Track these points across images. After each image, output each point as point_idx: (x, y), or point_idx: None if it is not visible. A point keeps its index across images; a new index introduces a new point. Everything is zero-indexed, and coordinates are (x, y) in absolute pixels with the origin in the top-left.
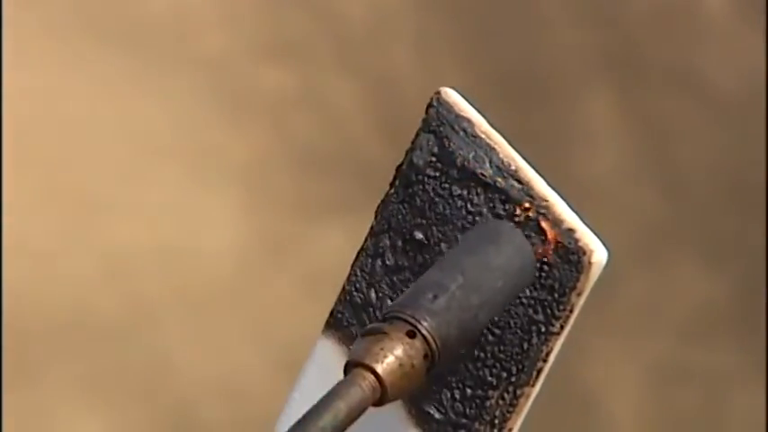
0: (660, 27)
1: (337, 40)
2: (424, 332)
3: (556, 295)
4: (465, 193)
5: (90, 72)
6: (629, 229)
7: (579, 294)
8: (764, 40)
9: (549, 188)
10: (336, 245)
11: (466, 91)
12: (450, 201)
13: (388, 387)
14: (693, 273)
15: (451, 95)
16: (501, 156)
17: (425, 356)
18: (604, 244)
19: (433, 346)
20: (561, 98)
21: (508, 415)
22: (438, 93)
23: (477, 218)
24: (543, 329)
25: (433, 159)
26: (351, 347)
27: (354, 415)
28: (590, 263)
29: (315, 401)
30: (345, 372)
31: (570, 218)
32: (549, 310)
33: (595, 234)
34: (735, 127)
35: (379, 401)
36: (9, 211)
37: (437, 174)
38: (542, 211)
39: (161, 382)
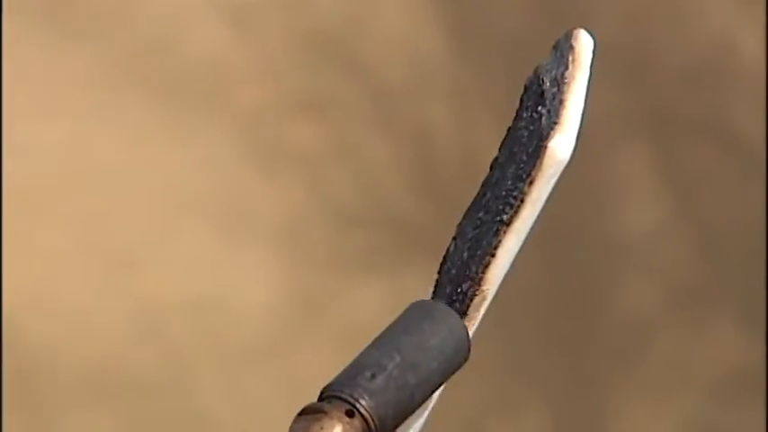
0: (697, 84)
1: (372, 96)
2: (363, 412)
3: (518, 184)
4: (527, 100)
5: (123, 124)
6: (664, 287)
7: (531, 183)
8: None
9: (580, 99)
10: (371, 301)
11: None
12: (518, 112)
13: None
14: (727, 333)
15: (582, 35)
16: (565, 71)
17: None
18: (575, 150)
19: (372, 425)
20: (597, 155)
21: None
22: (573, 29)
23: (520, 123)
24: (498, 219)
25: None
26: (291, 425)
27: None
28: (545, 147)
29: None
30: None
31: (566, 117)
32: (507, 200)
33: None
34: None
35: None
36: (42, 264)
37: (529, 94)
38: (553, 116)
39: None
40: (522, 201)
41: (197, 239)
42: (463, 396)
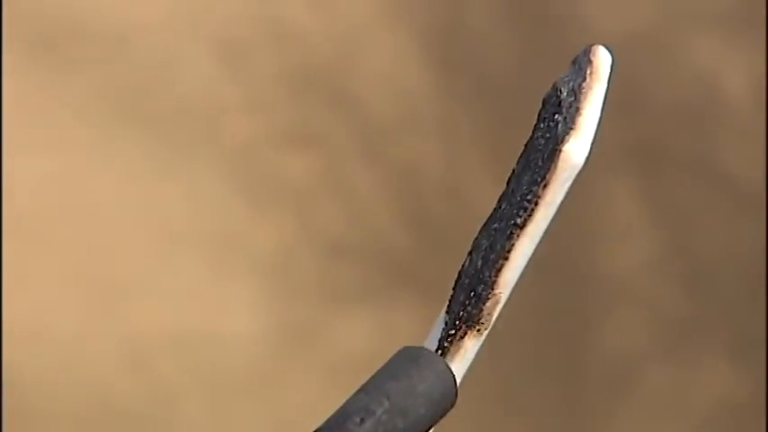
0: (683, 119)
1: (362, 129)
2: None
3: (533, 188)
4: (544, 112)
5: (115, 157)
6: (653, 323)
7: (546, 186)
8: None
9: (596, 108)
10: (359, 334)
11: (490, 180)
12: (535, 125)
13: None
14: (718, 367)
15: (601, 51)
16: (583, 82)
17: None
18: (590, 155)
19: None
20: (586, 189)
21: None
22: (592, 45)
23: (537, 133)
24: (512, 223)
25: (554, 94)
26: None
27: None
28: (559, 150)
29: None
30: None
31: (582, 123)
32: (522, 204)
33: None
34: (759, 218)
35: None
36: (31, 296)
37: (546, 107)
38: (568, 123)
39: None
40: (536, 204)
41: (187, 272)
42: (452, 427)
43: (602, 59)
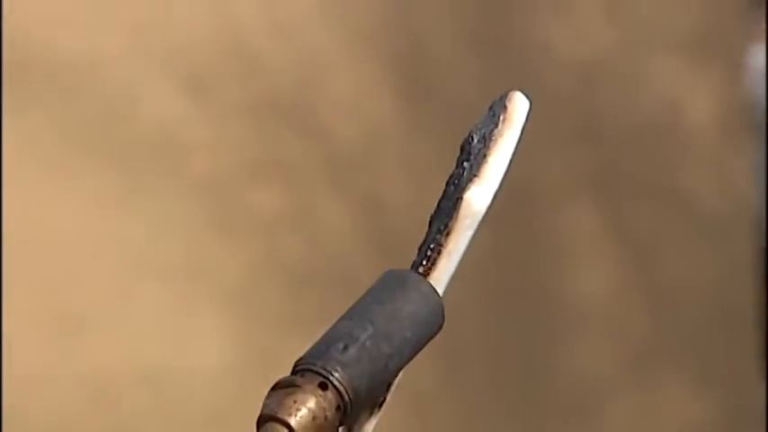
0: (645, 145)
1: (327, 160)
2: (336, 384)
3: (436, 235)
4: (459, 159)
5: (80, 191)
6: (617, 348)
7: (448, 234)
8: (748, 157)
9: (504, 155)
10: None
11: None
12: (453, 171)
13: None
14: (681, 393)
15: (516, 96)
16: (495, 129)
17: (338, 408)
18: (491, 205)
19: (346, 397)
20: (548, 217)
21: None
22: (508, 91)
23: (450, 180)
24: (417, 272)
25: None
26: (264, 400)
27: None
28: (461, 198)
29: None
30: (258, 426)
31: (486, 170)
32: (426, 252)
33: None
34: (720, 245)
35: None
36: None
37: (462, 153)
38: (473, 170)
39: None
40: (438, 253)
41: (152, 304)
42: None
43: (517, 105)
